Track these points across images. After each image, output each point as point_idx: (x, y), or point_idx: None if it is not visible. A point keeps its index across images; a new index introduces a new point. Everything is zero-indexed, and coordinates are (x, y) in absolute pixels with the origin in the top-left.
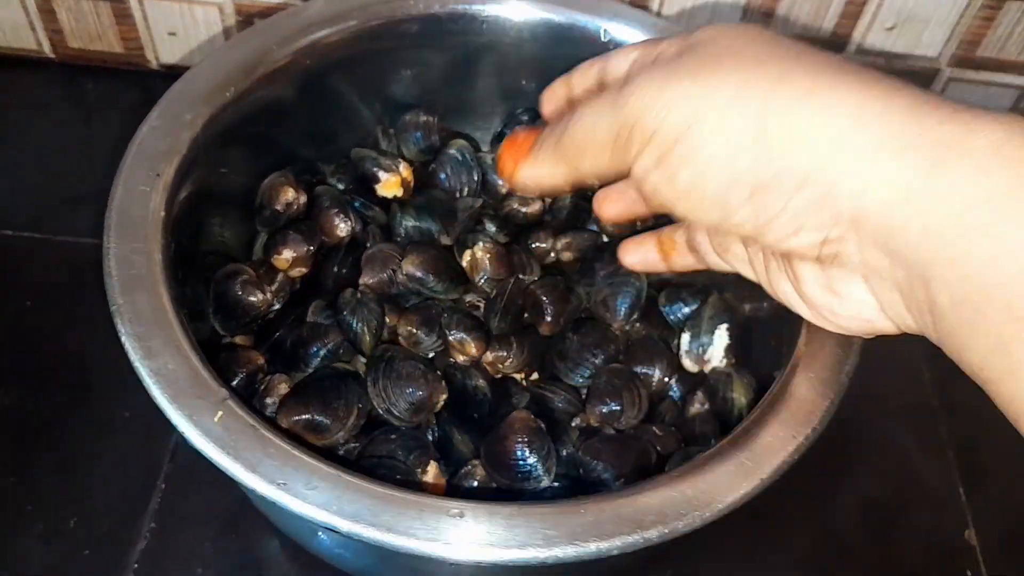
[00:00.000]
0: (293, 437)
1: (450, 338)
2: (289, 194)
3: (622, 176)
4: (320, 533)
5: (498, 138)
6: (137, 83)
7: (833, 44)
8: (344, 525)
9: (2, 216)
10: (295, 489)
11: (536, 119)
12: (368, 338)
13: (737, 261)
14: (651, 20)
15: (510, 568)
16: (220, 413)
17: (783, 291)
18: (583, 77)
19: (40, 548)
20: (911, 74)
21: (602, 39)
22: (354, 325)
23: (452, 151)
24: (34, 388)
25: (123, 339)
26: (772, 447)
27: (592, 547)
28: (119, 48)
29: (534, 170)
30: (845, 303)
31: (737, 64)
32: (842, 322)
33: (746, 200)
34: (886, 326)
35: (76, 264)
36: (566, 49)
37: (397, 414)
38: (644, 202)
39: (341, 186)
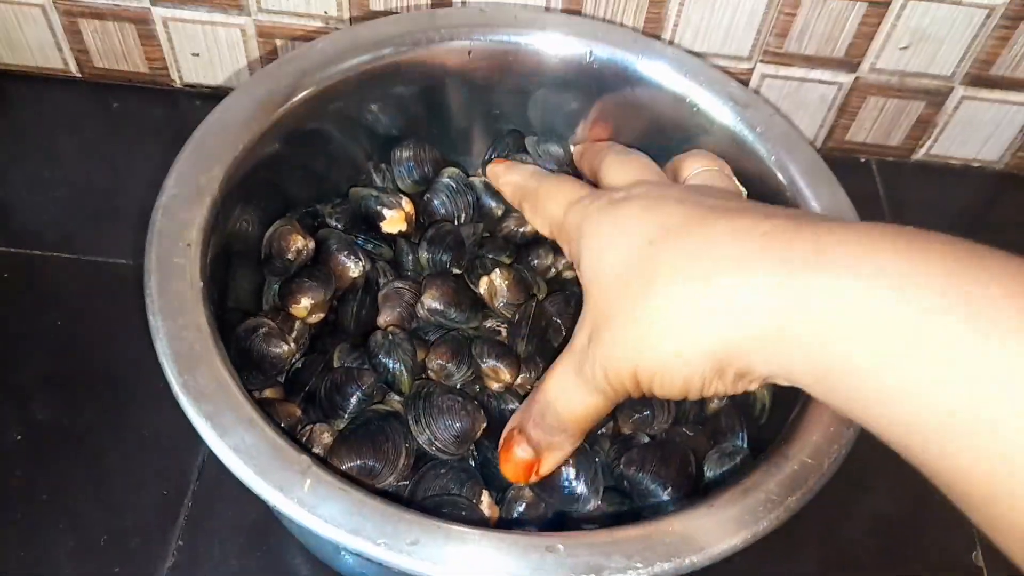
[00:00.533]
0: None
1: (483, 367)
2: (299, 242)
3: None
4: (343, 553)
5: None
6: (162, 101)
7: (846, 64)
8: None
9: (33, 235)
10: (400, 546)
11: (520, 141)
12: (406, 377)
13: None
14: (631, 36)
15: None
16: (308, 481)
17: None
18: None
19: (71, 565)
20: (924, 92)
21: (587, 60)
22: (391, 366)
23: (445, 179)
24: (65, 404)
25: (193, 419)
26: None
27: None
28: (144, 68)
29: (503, 173)
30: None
31: (658, 206)
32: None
33: (664, 384)
34: None
35: (105, 282)
36: (555, 72)
37: (442, 447)
38: None
39: (340, 226)
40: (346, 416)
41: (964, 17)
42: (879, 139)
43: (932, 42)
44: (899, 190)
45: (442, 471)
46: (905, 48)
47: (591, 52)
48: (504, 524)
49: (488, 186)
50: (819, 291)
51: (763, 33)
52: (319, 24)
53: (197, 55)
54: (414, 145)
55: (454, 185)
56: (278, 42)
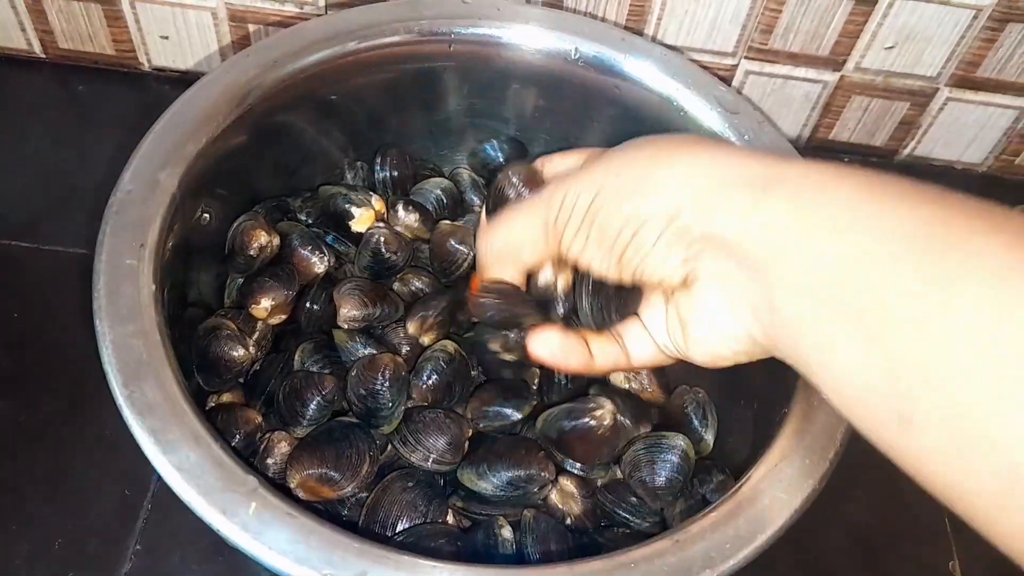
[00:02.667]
0: (308, 491)
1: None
2: (262, 237)
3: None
4: None
5: (472, 156)
6: (129, 85)
7: (831, 62)
8: None
9: None
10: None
11: (503, 147)
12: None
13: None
14: (618, 33)
15: None
16: (254, 505)
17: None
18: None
19: (25, 568)
20: (909, 93)
21: (573, 56)
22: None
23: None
24: (21, 401)
25: (136, 433)
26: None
27: None
28: (110, 50)
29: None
30: (701, 323)
31: (630, 152)
32: (695, 348)
33: (630, 238)
34: (734, 346)
35: (67, 273)
36: (539, 66)
37: (438, 457)
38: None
39: (310, 220)
40: (305, 423)
41: (951, 18)
42: (863, 139)
43: (918, 42)
44: None
45: (409, 484)
46: (891, 48)
47: (576, 49)
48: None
49: (473, 181)
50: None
51: (748, 29)
52: (293, 9)
53: (166, 38)
54: (395, 147)
55: (445, 199)
56: (250, 27)
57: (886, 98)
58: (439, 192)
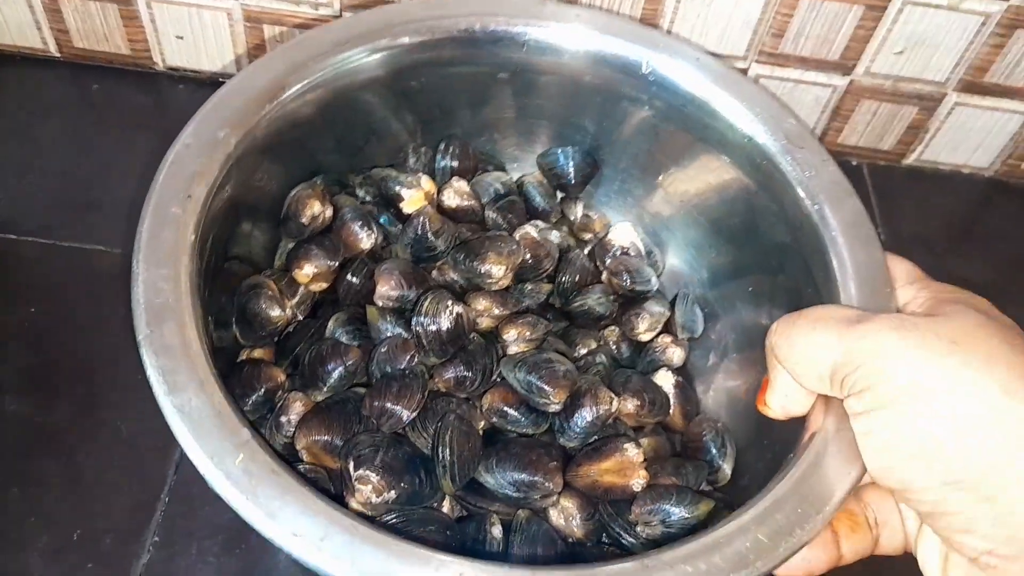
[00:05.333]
0: (312, 455)
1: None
2: (315, 207)
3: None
4: None
5: (542, 157)
6: (144, 84)
7: (841, 66)
8: None
9: (9, 220)
10: (310, 540)
11: (572, 154)
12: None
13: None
14: (694, 53)
15: None
16: (241, 456)
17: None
18: None
19: (43, 563)
20: (917, 98)
21: (644, 70)
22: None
23: (491, 181)
24: (39, 397)
25: (148, 371)
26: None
27: None
28: (125, 49)
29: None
30: None
31: (978, 353)
32: None
33: (936, 485)
34: None
35: (83, 271)
36: (608, 76)
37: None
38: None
39: (368, 197)
40: (325, 389)
41: (959, 24)
42: (871, 143)
43: (927, 48)
44: (890, 194)
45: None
46: (900, 53)
47: (649, 62)
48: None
49: (540, 184)
50: None
51: (759, 33)
52: (308, 11)
53: (181, 38)
54: (457, 138)
55: (502, 190)
56: (266, 28)
57: (895, 102)
58: (498, 185)
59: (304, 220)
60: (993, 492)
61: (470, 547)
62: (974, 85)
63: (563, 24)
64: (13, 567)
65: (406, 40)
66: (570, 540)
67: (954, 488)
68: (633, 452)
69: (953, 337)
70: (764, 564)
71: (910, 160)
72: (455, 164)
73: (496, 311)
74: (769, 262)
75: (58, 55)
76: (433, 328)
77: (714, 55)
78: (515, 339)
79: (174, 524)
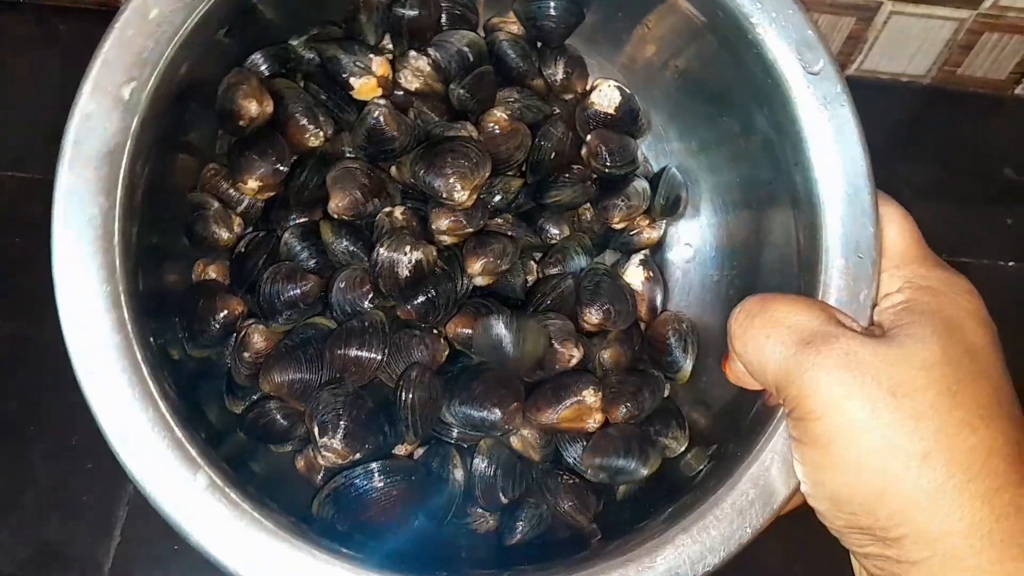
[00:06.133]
0: (279, 396)
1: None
2: (252, 107)
3: None
4: None
5: (523, 3)
6: (107, 22)
7: None
8: None
9: None
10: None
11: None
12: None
13: None
14: None
15: None
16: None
17: None
18: None
19: (45, 465)
20: (854, 8)
21: None
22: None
23: (456, 43)
24: (25, 319)
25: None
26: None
27: None
28: None
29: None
30: None
31: (917, 412)
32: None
33: (842, 526)
34: None
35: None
36: None
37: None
38: None
39: (312, 69)
40: (283, 321)
41: None
42: None
43: None
44: None
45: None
46: None
47: None
48: None
49: (515, 43)
50: None
51: None
52: None
53: None
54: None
55: (469, 56)
56: None
57: (834, 14)
58: (464, 48)
59: (241, 121)
60: (891, 545)
61: (433, 490)
62: None
63: None
64: (16, 470)
65: None
66: (529, 466)
67: (856, 532)
68: (591, 400)
69: (895, 384)
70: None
71: (851, 71)
72: (413, 13)
73: (462, 227)
74: (760, 180)
75: None
76: (390, 273)
77: None
78: (480, 272)
79: None
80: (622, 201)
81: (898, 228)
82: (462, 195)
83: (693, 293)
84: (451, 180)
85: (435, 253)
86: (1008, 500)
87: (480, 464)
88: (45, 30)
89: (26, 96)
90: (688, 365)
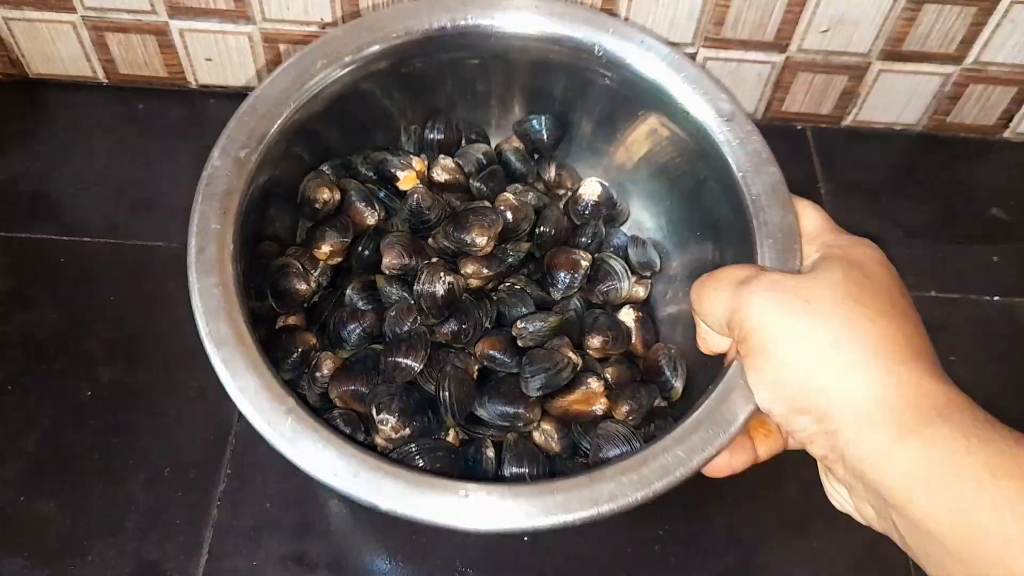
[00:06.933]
0: (343, 402)
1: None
2: (325, 194)
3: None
4: None
5: (518, 125)
6: (180, 100)
7: (776, 46)
8: (383, 503)
9: (81, 225)
10: (344, 479)
11: (545, 121)
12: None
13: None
14: (639, 36)
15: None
16: (289, 420)
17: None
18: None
19: (143, 492)
20: (846, 67)
21: (596, 52)
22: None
23: (474, 152)
24: (124, 366)
25: (212, 360)
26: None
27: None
28: (163, 72)
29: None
30: (838, 495)
31: (825, 310)
32: (840, 507)
33: (786, 411)
34: (860, 518)
35: (147, 261)
36: (567, 55)
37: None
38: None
39: (370, 174)
40: (348, 347)
41: (874, 3)
42: (811, 108)
43: (849, 25)
44: (832, 153)
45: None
46: (826, 31)
47: (600, 45)
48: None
49: (516, 151)
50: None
51: (702, 22)
52: (316, 30)
53: (210, 60)
54: (443, 117)
55: (484, 161)
56: (281, 46)
57: (827, 73)
58: (480, 156)
59: (317, 205)
60: (821, 415)
61: (470, 467)
62: (894, 53)
63: (520, 13)
64: (119, 497)
65: (377, 48)
66: (550, 454)
67: (796, 414)
68: (595, 385)
69: (808, 296)
70: (683, 472)
71: (848, 121)
72: (440, 137)
73: (484, 272)
74: (711, 214)
75: (105, 81)
76: (430, 295)
77: (658, 37)
78: (505, 291)
79: (242, 459)
80: (608, 284)
81: (811, 215)
82: (483, 241)
83: (680, 323)
84: (473, 233)
85: (464, 282)
86: (903, 371)
87: (508, 455)
88: (126, 109)
89: (113, 169)
90: (679, 384)
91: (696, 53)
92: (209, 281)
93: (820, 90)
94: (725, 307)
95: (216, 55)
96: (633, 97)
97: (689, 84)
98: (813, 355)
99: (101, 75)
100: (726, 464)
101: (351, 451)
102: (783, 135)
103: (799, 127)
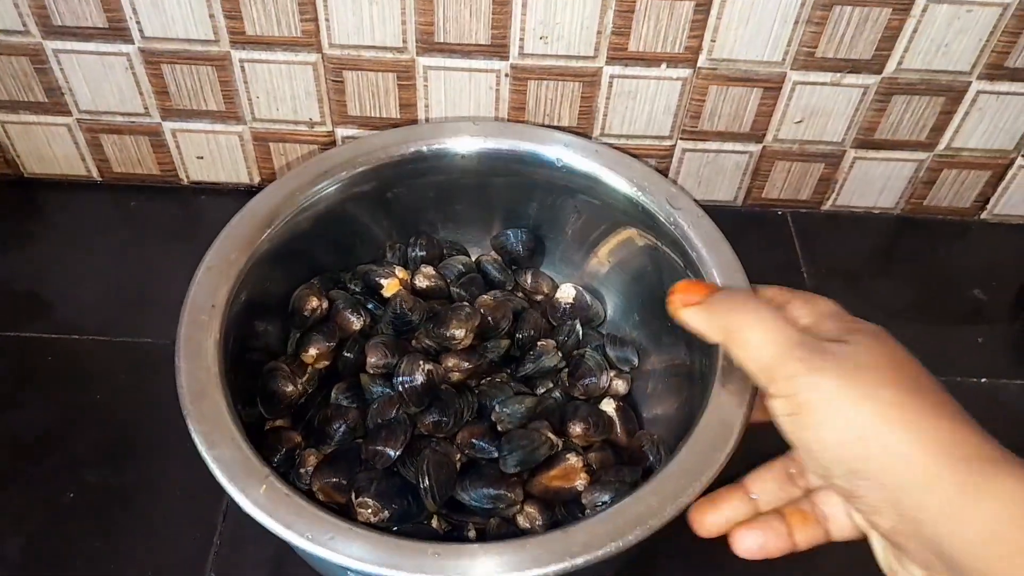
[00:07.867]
0: (325, 494)
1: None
2: (313, 302)
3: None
4: (348, 572)
5: (495, 239)
6: (172, 198)
7: (753, 136)
8: (353, 564)
9: (73, 323)
10: (319, 539)
11: (519, 234)
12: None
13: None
14: (593, 146)
15: None
16: (264, 487)
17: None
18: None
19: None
20: (822, 156)
21: (557, 164)
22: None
23: (454, 263)
24: (111, 466)
25: (192, 434)
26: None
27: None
28: (156, 170)
29: (694, 319)
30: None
31: (872, 378)
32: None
33: (844, 474)
34: None
35: (139, 360)
36: (531, 170)
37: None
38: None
39: (357, 289)
40: (333, 444)
41: (844, 96)
42: (790, 195)
43: (821, 116)
44: (812, 237)
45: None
46: (800, 122)
47: (560, 159)
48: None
49: (494, 261)
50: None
51: (679, 116)
52: (305, 129)
53: (201, 158)
54: (425, 234)
55: (463, 269)
56: (271, 145)
57: (804, 161)
58: (460, 267)
59: (306, 313)
60: (884, 482)
61: None
62: (867, 142)
63: (489, 139)
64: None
65: (362, 169)
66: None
67: (856, 475)
68: (574, 460)
69: (855, 367)
70: (656, 522)
71: (827, 206)
72: (423, 253)
73: (464, 365)
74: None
75: (100, 180)
76: (410, 384)
77: (611, 145)
78: (486, 384)
79: (227, 559)
80: (589, 379)
81: (826, 301)
82: (461, 333)
83: (663, 421)
84: (452, 327)
85: (444, 373)
86: (958, 427)
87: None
88: (120, 207)
89: (106, 266)
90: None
91: (674, 145)
92: (195, 364)
93: (798, 177)
94: (776, 354)
95: (207, 153)
96: (592, 198)
97: (633, 178)
98: (867, 415)
99: (95, 174)
100: (758, 546)
101: (325, 516)
102: (764, 220)
103: (780, 212)
